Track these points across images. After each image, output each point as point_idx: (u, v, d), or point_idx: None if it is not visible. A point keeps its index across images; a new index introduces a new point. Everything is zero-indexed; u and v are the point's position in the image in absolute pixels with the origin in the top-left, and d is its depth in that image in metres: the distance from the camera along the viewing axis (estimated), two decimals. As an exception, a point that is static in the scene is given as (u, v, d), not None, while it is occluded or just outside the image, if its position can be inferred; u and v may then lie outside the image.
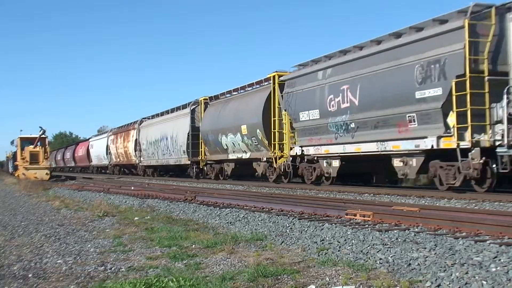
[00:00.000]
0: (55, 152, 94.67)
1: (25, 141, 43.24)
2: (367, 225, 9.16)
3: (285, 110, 22.66)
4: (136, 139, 44.43)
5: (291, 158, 22.40)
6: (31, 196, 22.28)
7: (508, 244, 6.81)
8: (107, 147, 53.91)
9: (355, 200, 14.66)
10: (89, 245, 8.74)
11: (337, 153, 19.48)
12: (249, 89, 27.36)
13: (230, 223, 10.74)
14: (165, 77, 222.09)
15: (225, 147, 28.39)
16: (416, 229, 8.54)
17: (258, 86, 26.29)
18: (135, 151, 44.39)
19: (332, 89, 19.38)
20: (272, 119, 23.39)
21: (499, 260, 6.00)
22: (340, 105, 18.92)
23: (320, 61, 20.87)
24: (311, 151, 21.06)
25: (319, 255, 7.09)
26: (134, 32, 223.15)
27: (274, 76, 23.86)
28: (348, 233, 8.36)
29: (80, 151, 70.25)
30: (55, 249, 8.43)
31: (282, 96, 23.03)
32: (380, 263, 6.37)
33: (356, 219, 9.93)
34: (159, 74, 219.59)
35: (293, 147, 22.26)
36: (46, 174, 40.47)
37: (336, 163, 19.90)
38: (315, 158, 21.15)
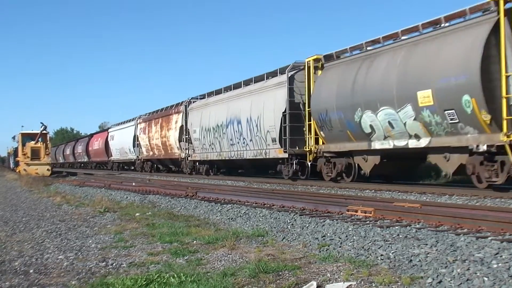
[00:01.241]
0: (63, 146, 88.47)
1: (27, 137, 43.25)
2: (368, 221, 9.16)
3: None
4: (181, 126, 34.95)
5: None
6: (33, 192, 22.29)
7: (510, 240, 6.80)
8: (135, 138, 45.76)
9: (357, 196, 14.65)
10: (90, 241, 8.74)
11: None
12: (426, 30, 16.28)
13: (231, 219, 10.74)
14: (166, 74, 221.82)
15: (368, 130, 18.10)
16: (417, 226, 8.54)
17: (461, 19, 15.10)
18: (180, 141, 35.09)
19: None
20: (504, 74, 13.33)
21: (501, 256, 5.99)
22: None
23: None
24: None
25: (320, 251, 7.09)
26: (136, 30, 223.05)
27: None
28: (350, 229, 8.35)
29: (96, 143, 61.45)
30: (56, 245, 8.43)
31: None
32: (381, 259, 6.36)
33: (357, 215, 9.93)
34: (161, 70, 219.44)
35: None
36: (47, 170, 40.48)
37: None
38: None
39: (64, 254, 7.59)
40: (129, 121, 50.08)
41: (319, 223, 9.13)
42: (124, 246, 8.14)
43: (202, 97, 33.93)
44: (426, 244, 6.84)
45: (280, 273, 5.96)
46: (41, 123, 42.30)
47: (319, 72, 21.23)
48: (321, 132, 20.70)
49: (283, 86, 23.12)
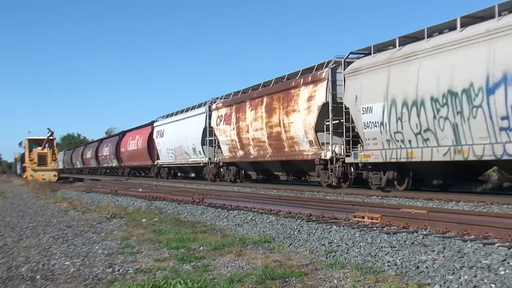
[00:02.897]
0: (82, 149, 76.03)
1: (33, 143, 43.46)
2: (375, 228, 9.14)
3: None
4: (320, 107, 20.87)
5: None
6: (39, 198, 22.35)
7: (517, 247, 6.76)
8: (207, 132, 31.67)
9: (363, 202, 14.62)
10: (97, 247, 8.75)
11: None
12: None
13: (238, 225, 10.73)
14: (174, 79, 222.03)
15: None
16: (424, 232, 8.52)
17: None
18: (316, 132, 21.15)
19: None
20: None
21: (508, 263, 5.96)
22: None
23: None
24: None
25: (327, 258, 7.07)
26: (142, 36, 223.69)
27: None
28: (356, 235, 8.33)
29: (133, 143, 47.88)
30: (63, 251, 8.44)
31: None
32: (388, 265, 6.34)
33: (364, 222, 9.91)
34: (167, 76, 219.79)
35: None
36: (54, 175, 40.64)
37: None
38: None
39: (70, 260, 7.60)
40: (193, 108, 35.51)
41: (325, 230, 9.11)
42: (130, 252, 8.14)
43: (373, 54, 18.83)
44: (433, 251, 6.82)
45: (287, 279, 5.95)
46: (48, 129, 42.60)
47: None
48: None
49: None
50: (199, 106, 34.54)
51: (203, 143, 32.36)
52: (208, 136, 31.81)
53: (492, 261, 6.09)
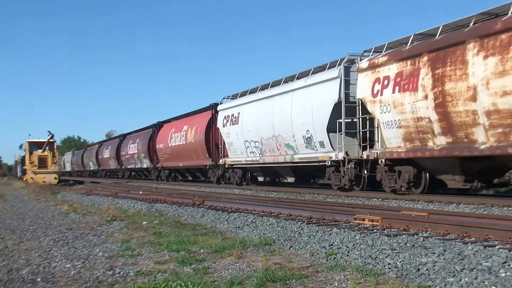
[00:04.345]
0: (97, 148, 63.50)
1: (34, 146, 43.50)
2: (375, 230, 9.13)
3: None
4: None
5: None
6: (40, 200, 22.36)
7: (518, 249, 6.75)
8: (342, 111, 19.15)
9: (364, 205, 14.62)
10: (97, 249, 8.75)
11: None
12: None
13: (239, 227, 10.73)
14: (173, 83, 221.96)
15: None
16: (424, 234, 8.51)
17: None
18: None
19: None
20: None
21: (509, 265, 5.96)
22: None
23: None
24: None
25: (327, 260, 7.07)
26: (142, 38, 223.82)
27: None
28: (357, 238, 8.34)
29: (176, 137, 35.40)
30: (63, 253, 8.45)
31: None
32: (389, 268, 6.35)
33: (364, 224, 9.91)
34: (167, 80, 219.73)
35: None
36: (55, 178, 40.68)
37: None
38: None
39: (71, 263, 7.60)
40: (303, 76, 22.67)
41: (326, 232, 9.11)
42: (131, 254, 8.15)
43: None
44: (434, 253, 6.82)
45: (288, 282, 5.95)
46: (49, 131, 42.64)
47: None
48: None
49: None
50: (318, 70, 21.73)
51: (330, 130, 19.77)
52: (345, 116, 19.14)
53: (493, 263, 6.09)
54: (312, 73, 21.95)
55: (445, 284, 5.44)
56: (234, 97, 29.35)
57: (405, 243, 7.66)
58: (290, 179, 26.19)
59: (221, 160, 29.55)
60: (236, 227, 10.83)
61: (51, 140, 42.92)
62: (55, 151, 43.98)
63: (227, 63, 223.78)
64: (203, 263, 7.23)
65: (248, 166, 27.29)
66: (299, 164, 22.52)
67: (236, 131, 27.22)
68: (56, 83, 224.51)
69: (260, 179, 28.19)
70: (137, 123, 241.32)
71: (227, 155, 29.00)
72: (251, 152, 26.22)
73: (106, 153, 56.96)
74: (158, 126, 42.23)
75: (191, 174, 37.01)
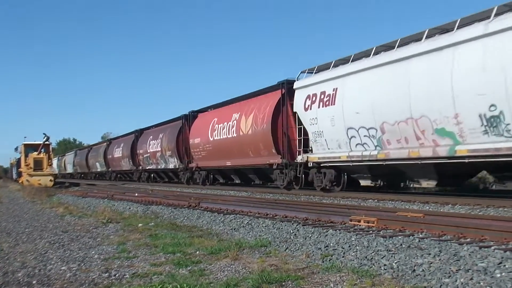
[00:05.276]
0: (105, 146, 54.86)
1: (29, 148, 43.46)
2: (371, 231, 9.13)
3: None
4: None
5: None
6: (35, 203, 22.30)
7: (513, 250, 6.75)
8: None
9: (359, 206, 14.62)
10: (93, 252, 8.74)
11: None
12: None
13: (234, 229, 10.73)
14: (167, 86, 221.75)
15: None
16: (420, 235, 8.51)
17: None
18: None
19: None
20: None
21: (504, 266, 5.97)
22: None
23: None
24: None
25: (323, 261, 7.08)
26: (138, 41, 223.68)
27: None
28: (353, 239, 8.34)
29: (222, 128, 27.67)
30: (59, 256, 8.43)
31: None
32: (384, 269, 6.35)
33: (360, 225, 9.91)
34: (163, 81, 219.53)
35: None
36: (50, 180, 40.59)
37: None
38: None
39: (67, 265, 7.59)
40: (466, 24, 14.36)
41: (322, 233, 9.11)
42: (127, 257, 8.14)
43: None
44: (429, 254, 6.83)
45: (283, 283, 5.96)
46: (44, 134, 42.58)
47: None
48: None
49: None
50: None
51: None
52: None
53: (488, 264, 6.10)
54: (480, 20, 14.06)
55: (441, 285, 5.45)
56: (321, 69, 21.19)
57: (401, 244, 7.66)
58: (427, 183, 17.24)
59: (299, 157, 21.58)
60: (232, 228, 10.82)
61: (47, 142, 42.87)
62: (51, 153, 43.93)
63: (225, 66, 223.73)
64: (199, 265, 7.23)
65: (349, 164, 19.15)
66: (459, 161, 14.71)
67: (331, 115, 19.45)
68: (52, 85, 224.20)
69: (364, 183, 19.82)
70: (137, 123, 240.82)
71: (311, 150, 21.43)
72: (358, 144, 18.47)
73: (117, 152, 48.58)
74: (192, 116, 33.64)
75: (240, 176, 28.53)
